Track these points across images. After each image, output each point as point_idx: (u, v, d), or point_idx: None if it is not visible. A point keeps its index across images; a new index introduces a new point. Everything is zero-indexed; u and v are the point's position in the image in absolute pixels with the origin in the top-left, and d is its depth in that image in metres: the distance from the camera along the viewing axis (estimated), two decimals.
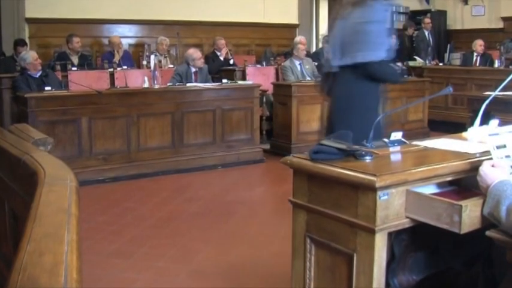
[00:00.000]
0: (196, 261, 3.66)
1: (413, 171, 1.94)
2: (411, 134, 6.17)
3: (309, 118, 6.97)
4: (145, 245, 3.94)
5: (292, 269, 2.23)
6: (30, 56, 6.23)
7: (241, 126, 6.60)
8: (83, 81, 6.36)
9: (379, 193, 1.85)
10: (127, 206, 4.94)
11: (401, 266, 2.11)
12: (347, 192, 1.94)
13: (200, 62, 6.97)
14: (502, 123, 2.31)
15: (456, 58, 9.62)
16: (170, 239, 4.07)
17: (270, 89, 7.49)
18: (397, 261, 2.07)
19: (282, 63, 7.94)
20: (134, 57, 8.65)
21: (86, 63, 7.59)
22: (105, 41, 8.70)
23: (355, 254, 1.94)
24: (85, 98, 5.74)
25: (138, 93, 6.11)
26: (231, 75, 7.88)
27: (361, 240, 1.92)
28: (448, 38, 11.35)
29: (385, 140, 2.31)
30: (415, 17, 11.56)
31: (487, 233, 1.84)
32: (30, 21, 8.28)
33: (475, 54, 9.22)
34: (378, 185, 1.82)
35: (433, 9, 11.60)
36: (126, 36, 8.95)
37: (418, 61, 9.78)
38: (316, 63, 8.10)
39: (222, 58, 8.70)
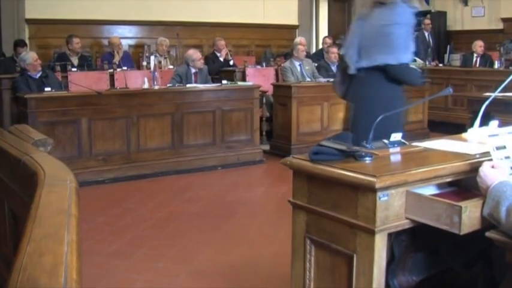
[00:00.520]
0: (196, 261, 3.66)
1: (413, 172, 1.94)
2: (411, 135, 6.16)
3: (309, 119, 6.97)
4: (145, 246, 3.94)
5: (292, 269, 2.23)
6: (30, 56, 6.23)
7: (241, 127, 6.60)
8: (82, 82, 6.36)
9: (379, 194, 1.85)
10: (127, 206, 4.94)
11: (401, 267, 2.11)
12: (347, 193, 1.94)
13: (200, 63, 6.97)
14: (502, 124, 2.31)
15: (456, 59, 9.63)
16: (170, 240, 4.07)
17: (269, 89, 7.49)
18: (397, 262, 2.07)
19: (282, 64, 7.94)
20: (134, 58, 8.65)
21: (85, 64, 7.59)
22: (105, 42, 8.70)
23: (355, 255, 1.94)
24: (85, 99, 5.74)
25: (138, 94, 6.11)
26: (230, 76, 7.88)
27: (361, 241, 1.92)
28: (448, 39, 11.35)
29: (385, 141, 2.31)
30: (415, 17, 11.54)
31: (487, 234, 1.84)
32: (30, 22, 8.28)
33: (475, 55, 9.22)
34: (377, 186, 1.82)
35: (433, 10, 11.60)
36: (126, 37, 8.95)
37: (418, 62, 9.78)
38: (316, 64, 8.11)
39: (221, 59, 8.70)
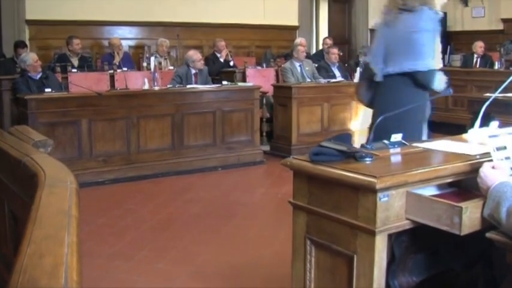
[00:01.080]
0: (196, 262, 3.66)
1: (413, 172, 1.94)
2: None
3: (309, 120, 6.97)
4: (146, 247, 3.94)
5: (292, 270, 2.23)
6: (30, 57, 6.24)
7: (242, 127, 6.60)
8: (83, 83, 6.37)
9: (380, 195, 1.85)
10: (127, 207, 4.94)
11: (402, 268, 2.11)
12: (347, 194, 1.94)
13: (200, 64, 6.97)
14: (502, 125, 2.31)
15: (456, 60, 9.63)
16: (170, 241, 4.06)
17: (270, 90, 7.49)
18: (397, 262, 2.07)
19: (282, 65, 7.94)
20: (134, 59, 8.65)
21: (86, 65, 7.59)
22: (105, 43, 8.70)
23: (355, 256, 1.94)
24: (85, 100, 5.74)
25: (138, 95, 6.11)
26: (231, 76, 7.88)
27: (361, 242, 1.92)
28: (448, 40, 11.34)
29: (385, 141, 2.32)
30: None
31: (487, 234, 1.84)
32: (31, 23, 8.28)
33: (475, 55, 9.22)
34: (378, 186, 1.82)
35: None
36: (126, 38, 8.95)
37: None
38: (316, 65, 8.12)
39: (222, 60, 8.70)
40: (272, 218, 4.68)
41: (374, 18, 11.35)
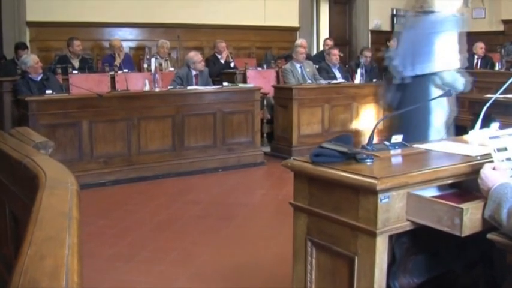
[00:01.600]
0: (197, 264, 3.66)
1: (414, 174, 1.94)
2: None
3: (310, 121, 6.97)
4: (146, 248, 3.94)
5: (293, 272, 2.23)
6: (31, 59, 6.24)
7: (242, 129, 6.60)
8: (83, 84, 6.38)
9: (380, 196, 1.85)
10: (127, 209, 4.94)
11: (402, 269, 2.11)
12: (348, 195, 1.94)
13: (201, 65, 6.98)
14: (503, 126, 2.31)
15: None
16: (171, 242, 4.06)
17: (270, 91, 7.49)
18: (398, 264, 2.07)
19: (283, 66, 7.95)
20: (135, 61, 8.65)
21: (86, 66, 7.60)
22: (106, 44, 8.70)
23: (356, 257, 1.94)
24: (86, 101, 5.74)
25: (139, 97, 6.11)
26: (231, 78, 7.88)
27: (362, 243, 1.91)
28: None
29: (386, 142, 2.32)
30: None
31: (488, 235, 1.84)
32: (31, 24, 8.29)
33: (475, 56, 9.22)
34: (378, 187, 1.82)
35: None
36: (126, 39, 8.96)
37: None
38: (317, 66, 8.12)
39: (222, 61, 8.70)
40: (272, 219, 4.67)
41: (374, 19, 11.38)
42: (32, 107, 5.42)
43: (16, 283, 1.00)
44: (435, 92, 3.20)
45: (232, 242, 4.10)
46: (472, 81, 3.33)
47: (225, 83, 6.94)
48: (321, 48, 10.43)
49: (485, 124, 2.45)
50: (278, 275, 3.33)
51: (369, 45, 10.71)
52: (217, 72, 8.29)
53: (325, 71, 8.09)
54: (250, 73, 8.16)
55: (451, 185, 2.07)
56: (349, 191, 1.93)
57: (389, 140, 2.33)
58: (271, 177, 6.28)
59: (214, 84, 7.14)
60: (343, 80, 7.91)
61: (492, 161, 1.95)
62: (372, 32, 11.45)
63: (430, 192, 1.99)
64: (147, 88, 6.29)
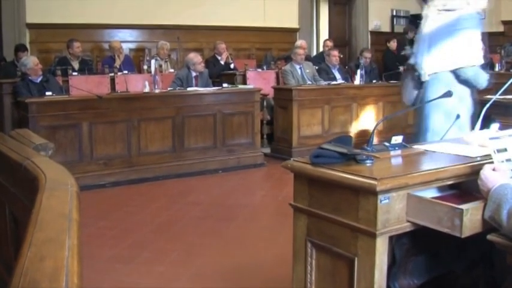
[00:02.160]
0: (197, 265, 3.66)
1: (414, 175, 1.94)
2: (412, 138, 6.15)
3: (310, 122, 6.97)
4: (146, 250, 3.94)
5: (293, 273, 2.23)
6: (30, 61, 6.24)
7: (242, 130, 6.60)
8: (83, 86, 6.38)
9: (380, 197, 1.85)
10: (128, 210, 4.94)
11: (403, 270, 2.10)
12: (348, 196, 1.94)
13: (201, 67, 6.98)
14: (503, 127, 2.31)
15: None
16: (171, 243, 4.06)
17: (270, 93, 7.50)
18: (398, 265, 2.07)
19: (283, 67, 7.95)
20: (135, 62, 8.65)
21: (86, 68, 7.59)
22: (106, 46, 8.70)
23: (356, 258, 1.94)
24: (86, 103, 5.75)
25: (139, 98, 6.12)
26: (231, 79, 7.88)
27: (362, 244, 1.91)
28: None
29: (386, 143, 2.32)
30: (415, 20, 11.55)
31: (488, 236, 1.84)
32: (31, 26, 8.29)
33: None
34: (378, 188, 1.82)
35: None
36: (126, 40, 8.96)
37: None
38: (316, 67, 8.12)
39: (222, 62, 8.71)
40: (273, 221, 4.67)
41: (374, 20, 11.38)
42: (32, 108, 5.42)
43: (16, 284, 1.00)
44: (459, 87, 3.23)
45: (232, 243, 4.10)
46: (491, 78, 3.38)
47: (224, 84, 6.95)
48: (321, 49, 10.42)
49: (485, 125, 2.45)
50: (278, 276, 3.33)
51: (369, 46, 10.71)
52: (217, 73, 8.29)
53: (325, 72, 8.09)
54: (250, 74, 8.17)
55: (451, 186, 2.07)
56: (349, 192, 1.93)
57: (389, 140, 2.33)
58: (271, 179, 6.29)
59: (214, 85, 7.14)
60: (343, 81, 7.91)
61: (492, 162, 1.95)
62: (372, 33, 11.45)
63: (430, 193, 1.99)
64: (147, 89, 6.29)
